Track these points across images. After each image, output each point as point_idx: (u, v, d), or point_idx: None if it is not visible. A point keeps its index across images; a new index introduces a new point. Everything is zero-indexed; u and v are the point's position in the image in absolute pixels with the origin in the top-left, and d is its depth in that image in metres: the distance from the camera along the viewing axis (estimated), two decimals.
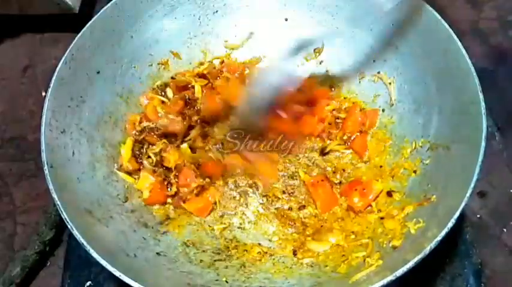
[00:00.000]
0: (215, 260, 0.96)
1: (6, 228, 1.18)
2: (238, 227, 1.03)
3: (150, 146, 1.07)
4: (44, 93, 1.34)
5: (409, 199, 0.96)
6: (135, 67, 1.11)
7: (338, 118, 1.14)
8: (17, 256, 1.10)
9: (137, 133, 1.07)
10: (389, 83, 1.11)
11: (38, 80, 1.40)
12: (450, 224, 0.79)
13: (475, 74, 0.91)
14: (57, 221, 1.12)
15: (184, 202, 1.03)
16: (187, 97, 1.12)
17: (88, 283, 1.03)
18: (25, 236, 1.16)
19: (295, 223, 1.02)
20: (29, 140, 1.29)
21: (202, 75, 1.17)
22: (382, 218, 0.98)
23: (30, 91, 1.38)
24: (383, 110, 1.12)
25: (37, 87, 1.38)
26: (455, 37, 0.96)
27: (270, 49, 1.21)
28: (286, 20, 1.20)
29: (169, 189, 1.04)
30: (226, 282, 0.91)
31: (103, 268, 0.88)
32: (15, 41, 1.48)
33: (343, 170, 1.09)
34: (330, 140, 1.12)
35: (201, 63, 1.20)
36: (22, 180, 1.24)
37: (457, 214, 0.80)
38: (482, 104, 0.88)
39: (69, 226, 0.82)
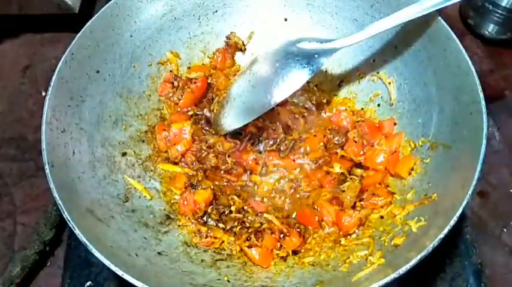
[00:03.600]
0: (216, 260, 0.96)
1: (6, 228, 1.17)
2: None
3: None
4: (43, 93, 1.34)
5: (410, 197, 0.97)
6: (134, 67, 1.11)
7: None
8: (17, 256, 1.09)
9: None
10: (389, 83, 1.11)
11: (38, 80, 1.39)
12: (452, 222, 0.79)
13: (475, 73, 0.91)
14: (57, 221, 1.12)
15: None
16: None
17: (88, 283, 1.03)
18: (25, 236, 1.15)
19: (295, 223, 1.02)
20: (29, 140, 1.29)
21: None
22: (382, 217, 0.98)
23: (30, 91, 1.38)
24: (378, 105, 1.13)
25: (37, 87, 1.38)
26: (455, 37, 0.96)
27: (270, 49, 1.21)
28: (285, 20, 1.20)
29: None
30: (228, 281, 0.91)
31: (103, 268, 0.88)
32: (15, 41, 1.48)
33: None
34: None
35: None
36: (22, 180, 1.23)
37: (459, 211, 0.80)
38: (483, 103, 0.89)
39: (70, 225, 0.81)
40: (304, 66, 1.00)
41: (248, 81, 1.07)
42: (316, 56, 1.01)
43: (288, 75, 1.01)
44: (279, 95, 1.01)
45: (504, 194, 1.19)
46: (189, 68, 1.19)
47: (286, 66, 1.01)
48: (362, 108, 1.15)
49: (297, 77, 1.00)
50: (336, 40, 1.02)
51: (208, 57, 1.21)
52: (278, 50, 1.06)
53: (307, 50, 1.03)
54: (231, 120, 1.07)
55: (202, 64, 1.20)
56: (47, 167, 0.87)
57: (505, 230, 1.15)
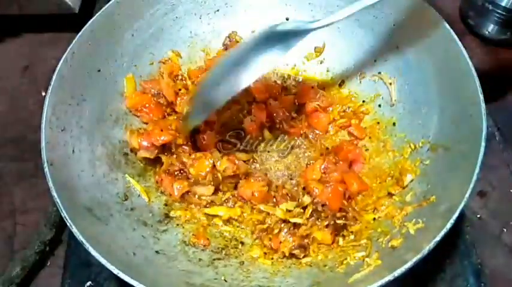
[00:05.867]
0: (214, 259, 0.96)
1: (6, 228, 1.17)
2: (238, 226, 1.04)
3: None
4: (43, 93, 1.34)
5: (408, 199, 0.96)
6: (135, 66, 1.12)
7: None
8: (17, 256, 1.10)
9: None
10: (390, 84, 1.11)
11: (38, 80, 1.39)
12: (449, 225, 0.79)
13: (475, 74, 0.92)
14: (57, 221, 1.12)
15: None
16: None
17: (88, 283, 1.03)
18: (25, 236, 1.15)
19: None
20: (29, 140, 1.28)
21: None
22: (380, 218, 0.98)
23: (30, 91, 1.37)
24: (379, 105, 1.13)
25: (37, 87, 1.37)
26: (455, 37, 0.96)
27: None
28: (287, 19, 1.20)
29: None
30: (225, 281, 0.91)
31: (103, 268, 0.88)
32: (15, 41, 1.48)
33: None
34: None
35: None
36: (22, 180, 1.23)
37: (456, 214, 0.80)
38: (483, 104, 0.89)
39: (68, 224, 0.81)
40: (273, 49, 0.94)
41: (224, 60, 1.02)
42: (288, 37, 0.95)
43: (257, 59, 0.94)
44: (244, 80, 0.95)
45: (504, 194, 1.19)
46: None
47: (257, 50, 0.95)
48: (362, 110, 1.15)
49: (266, 60, 0.94)
50: (313, 22, 0.95)
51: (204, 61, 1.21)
52: (255, 36, 0.99)
53: (280, 32, 0.96)
54: (197, 113, 1.03)
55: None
56: (46, 165, 0.87)
57: (505, 230, 1.15)
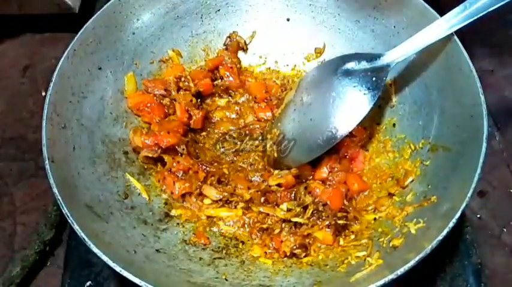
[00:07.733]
0: (214, 258, 0.96)
1: (6, 228, 1.17)
2: (238, 226, 1.03)
3: None
4: (43, 93, 1.34)
5: (409, 199, 0.96)
6: (136, 64, 1.12)
7: None
8: (17, 256, 1.09)
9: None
10: (390, 85, 1.11)
11: (38, 80, 1.40)
12: (451, 225, 0.79)
13: (476, 75, 0.92)
14: (57, 221, 1.12)
15: None
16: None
17: (88, 283, 1.02)
18: (25, 236, 1.15)
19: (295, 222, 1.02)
20: (29, 140, 1.28)
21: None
22: (381, 218, 0.98)
23: (30, 91, 1.38)
24: (379, 106, 1.12)
25: (37, 87, 1.38)
26: (456, 38, 0.96)
27: (272, 49, 1.22)
28: (288, 20, 1.20)
29: None
30: (226, 280, 0.90)
31: (103, 268, 0.87)
32: (15, 41, 1.48)
33: None
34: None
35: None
36: (22, 180, 1.23)
37: (458, 214, 0.80)
38: (484, 106, 0.89)
39: (69, 221, 0.81)
40: (364, 93, 0.99)
41: (304, 115, 1.06)
42: (373, 77, 0.99)
43: (350, 105, 0.99)
44: (344, 127, 0.99)
45: (504, 194, 1.19)
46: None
47: (344, 94, 0.99)
48: None
49: (360, 105, 0.98)
50: (384, 55, 1.00)
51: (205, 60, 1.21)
52: (326, 75, 1.04)
53: (360, 72, 1.00)
54: (295, 157, 1.05)
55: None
56: (47, 162, 0.87)
57: (505, 230, 1.15)
